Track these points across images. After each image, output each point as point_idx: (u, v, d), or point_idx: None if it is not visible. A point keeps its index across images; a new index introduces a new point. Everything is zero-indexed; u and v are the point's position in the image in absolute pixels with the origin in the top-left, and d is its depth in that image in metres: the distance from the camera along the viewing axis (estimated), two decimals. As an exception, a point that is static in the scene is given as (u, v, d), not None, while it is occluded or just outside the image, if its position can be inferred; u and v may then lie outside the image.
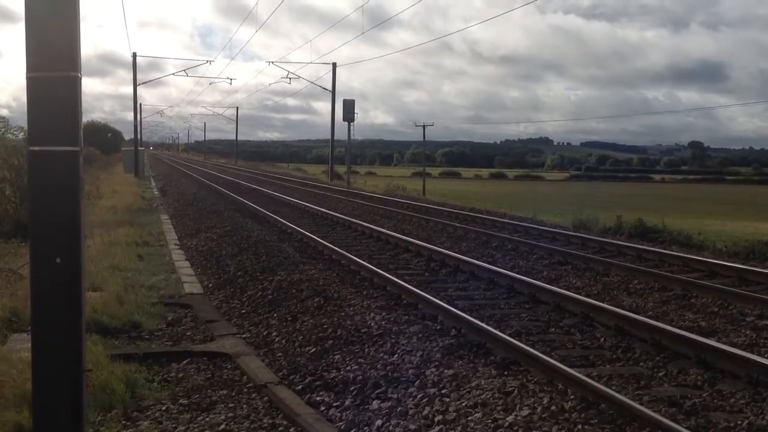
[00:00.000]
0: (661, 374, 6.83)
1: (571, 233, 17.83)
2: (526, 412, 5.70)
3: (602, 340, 8.00)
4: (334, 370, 7.22)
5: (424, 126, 54.68)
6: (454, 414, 5.79)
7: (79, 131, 3.91)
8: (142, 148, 62.64)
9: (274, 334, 8.91)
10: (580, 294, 10.15)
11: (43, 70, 3.84)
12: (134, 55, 53.11)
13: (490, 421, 5.58)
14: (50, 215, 3.87)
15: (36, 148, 3.85)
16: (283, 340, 8.58)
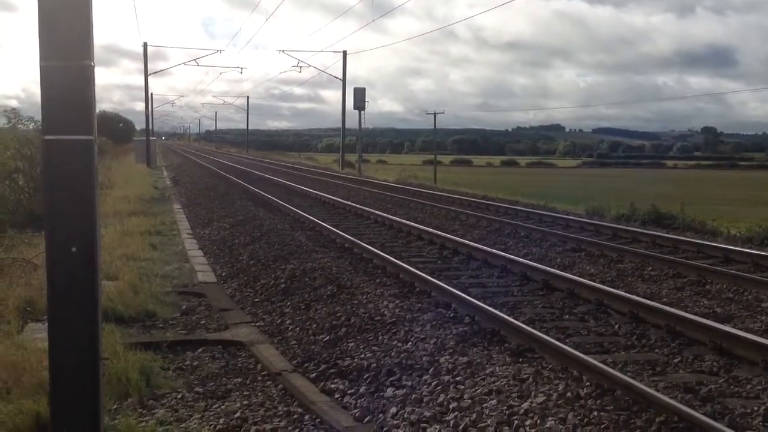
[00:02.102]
0: (676, 361, 6.80)
1: (584, 220, 17.76)
2: (541, 398, 5.68)
3: (617, 326, 7.97)
4: (348, 358, 7.23)
5: (435, 114, 54.57)
6: (469, 401, 5.79)
7: (93, 120, 3.92)
8: (154, 138, 62.82)
9: (287, 322, 8.92)
10: (594, 281, 10.11)
11: (56, 59, 3.85)
12: (145, 45, 53.18)
13: (505, 408, 5.57)
14: (65, 204, 3.88)
15: (50, 138, 3.86)
16: (297, 329, 8.59)
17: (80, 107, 3.86)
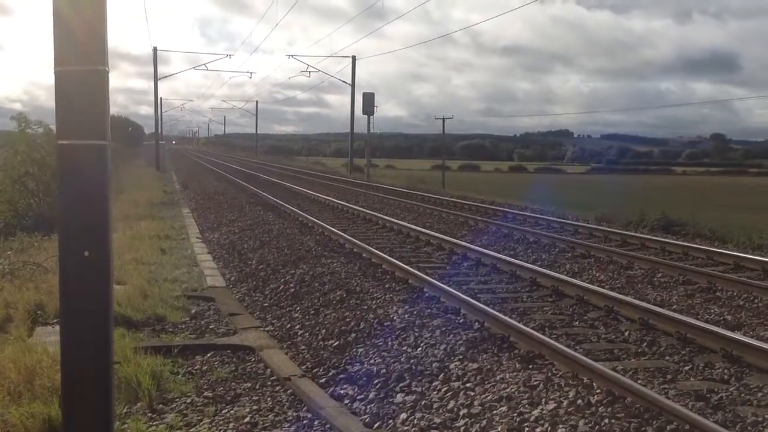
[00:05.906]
0: (687, 368, 6.78)
1: (593, 226, 17.72)
2: (552, 405, 5.67)
3: (627, 333, 7.94)
4: (358, 363, 7.22)
5: (443, 119, 54.55)
6: (479, 407, 5.77)
7: (107, 125, 3.92)
8: (164, 142, 63.06)
9: (297, 327, 8.93)
10: (603, 287, 10.08)
11: (70, 64, 3.85)
12: (155, 50, 53.39)
13: (515, 414, 5.56)
14: (79, 209, 3.88)
15: (64, 142, 3.86)
16: (306, 333, 8.59)
17: (94, 112, 3.86)
